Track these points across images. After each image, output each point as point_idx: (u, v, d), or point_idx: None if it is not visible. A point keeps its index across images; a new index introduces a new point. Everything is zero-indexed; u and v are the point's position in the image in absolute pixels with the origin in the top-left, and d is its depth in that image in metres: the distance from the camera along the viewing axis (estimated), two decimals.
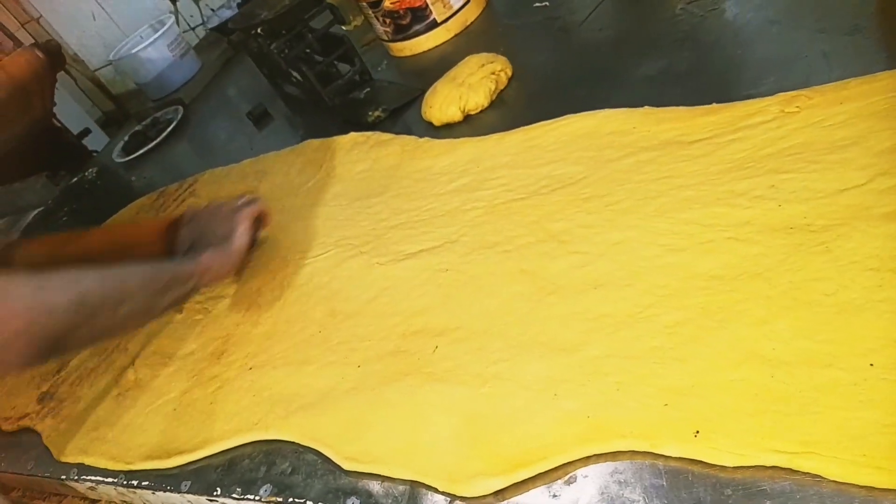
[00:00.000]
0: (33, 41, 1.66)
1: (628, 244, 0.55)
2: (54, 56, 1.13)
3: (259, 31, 0.96)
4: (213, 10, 1.61)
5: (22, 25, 1.75)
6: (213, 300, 0.80)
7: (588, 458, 0.43)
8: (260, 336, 0.70)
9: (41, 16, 1.76)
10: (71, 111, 1.89)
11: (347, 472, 0.51)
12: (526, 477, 0.43)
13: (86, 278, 0.56)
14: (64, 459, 0.71)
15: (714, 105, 0.62)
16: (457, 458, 0.47)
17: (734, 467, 0.38)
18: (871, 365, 0.38)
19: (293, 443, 0.56)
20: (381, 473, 0.49)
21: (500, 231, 0.64)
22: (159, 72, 1.40)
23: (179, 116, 1.32)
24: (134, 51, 1.38)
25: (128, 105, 1.90)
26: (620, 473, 0.41)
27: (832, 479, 0.35)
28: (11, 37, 1.27)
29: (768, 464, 0.37)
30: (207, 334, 0.75)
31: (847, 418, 0.37)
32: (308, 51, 1.03)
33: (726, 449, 0.38)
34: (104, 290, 0.57)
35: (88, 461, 0.68)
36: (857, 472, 0.35)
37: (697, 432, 0.40)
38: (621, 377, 0.46)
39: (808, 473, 0.36)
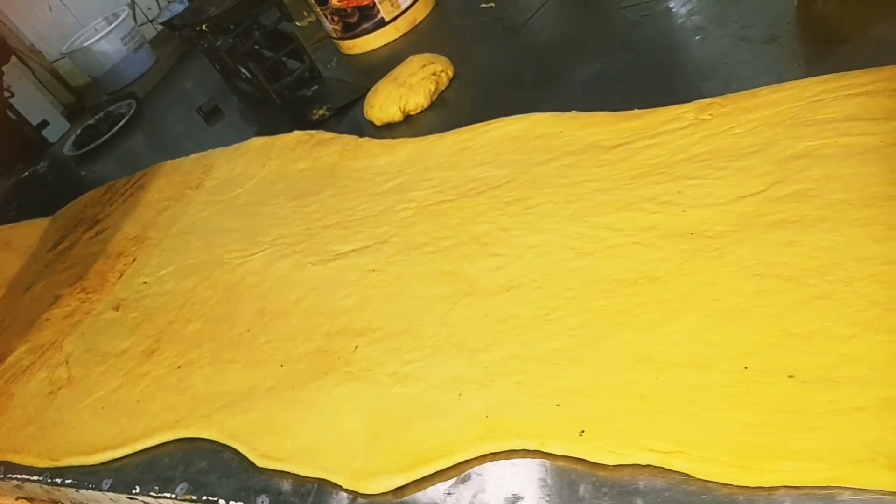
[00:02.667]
0: None
1: (543, 247, 0.56)
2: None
3: (205, 27, 0.96)
4: (160, 5, 1.59)
5: None
6: (148, 297, 0.80)
7: (485, 456, 0.44)
8: (191, 335, 0.70)
9: None
10: (33, 102, 1.86)
11: (260, 470, 0.52)
12: (424, 475, 0.45)
13: None
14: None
15: (636, 111, 0.63)
16: (361, 456, 0.48)
17: (614, 466, 0.39)
18: (746, 368, 0.40)
19: (212, 441, 0.57)
20: (292, 471, 0.50)
21: (427, 232, 0.65)
22: (113, 65, 1.39)
23: (132, 111, 1.31)
24: (87, 43, 1.37)
25: (87, 97, 1.88)
26: (512, 472, 0.42)
27: (698, 477, 0.36)
28: None
29: (644, 462, 0.38)
30: (141, 332, 0.76)
31: (717, 419, 0.38)
32: (256, 47, 1.03)
33: (607, 448, 0.40)
34: None
35: (16, 459, 0.68)
36: (721, 471, 0.36)
37: (583, 431, 0.41)
38: (521, 377, 0.47)
39: (678, 472, 0.37)
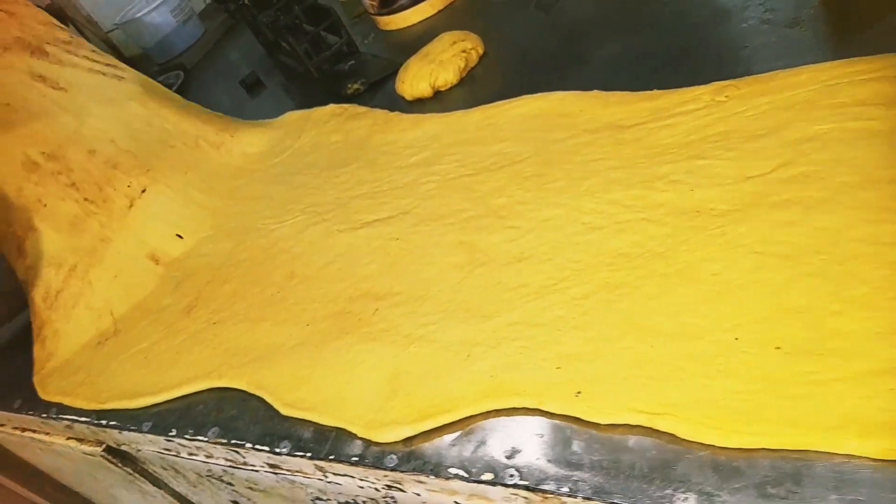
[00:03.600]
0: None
1: (555, 221, 0.59)
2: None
3: (247, 1, 1.00)
4: None
5: None
6: (191, 259, 0.85)
7: (488, 413, 0.47)
8: (226, 294, 0.75)
9: None
10: None
11: (284, 418, 0.56)
12: (431, 427, 0.48)
13: None
14: (47, 398, 0.77)
15: (655, 91, 0.65)
16: (376, 408, 0.52)
17: (606, 425, 0.42)
18: (736, 339, 0.42)
19: (242, 391, 0.61)
20: (312, 420, 0.54)
21: (449, 204, 0.68)
22: (163, 36, 1.44)
23: (180, 81, 1.37)
24: (138, 15, 1.42)
25: (140, 68, 1.94)
26: (513, 427, 0.45)
27: (683, 437, 0.39)
28: None
29: (634, 423, 0.41)
30: (181, 290, 0.81)
31: (703, 385, 0.41)
32: (297, 21, 1.06)
33: (601, 408, 0.43)
34: None
35: (67, 401, 0.74)
36: (704, 432, 0.39)
37: (579, 393, 0.44)
38: (526, 342, 0.50)
39: (665, 432, 0.40)
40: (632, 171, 0.58)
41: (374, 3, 1.06)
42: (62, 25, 0.79)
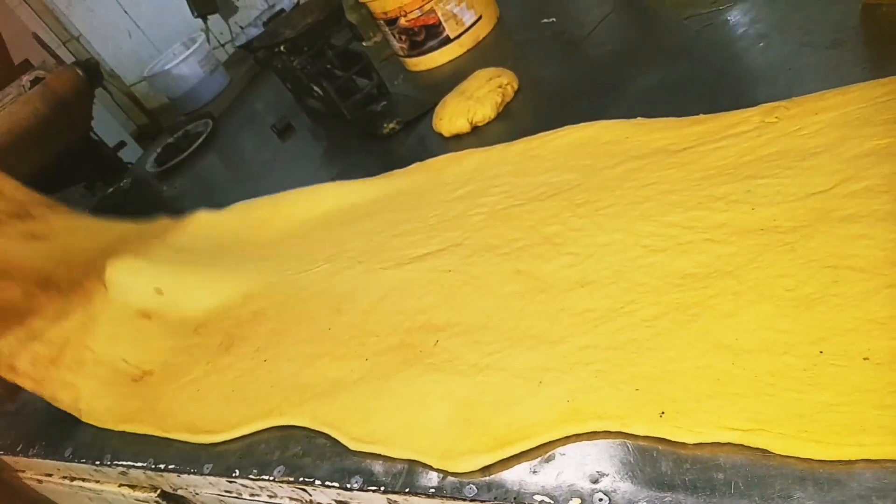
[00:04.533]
0: (73, 59, 1.75)
1: (614, 245, 0.59)
2: (93, 74, 1.21)
3: (282, 48, 1.02)
4: (241, 27, 1.68)
5: (63, 43, 1.85)
6: (181, 309, 0.86)
7: (567, 437, 0.47)
8: (267, 333, 0.75)
9: (80, 34, 1.85)
10: (107, 124, 1.99)
11: (353, 453, 0.56)
12: (510, 454, 0.48)
13: None
14: (111, 427, 0.77)
15: (701, 116, 0.66)
16: (450, 438, 0.51)
17: (694, 444, 0.42)
18: (821, 352, 0.42)
19: (305, 428, 0.61)
20: (382, 453, 0.54)
21: (500, 235, 0.68)
22: (190, 87, 1.47)
23: (209, 129, 1.39)
24: (167, 67, 1.46)
25: (161, 119, 1.99)
26: (595, 451, 0.45)
27: (778, 452, 0.39)
28: (54, 55, 1.35)
29: (723, 441, 0.41)
30: (206, 331, 0.81)
31: (795, 399, 0.40)
32: (328, 66, 1.09)
33: (687, 427, 0.42)
34: None
35: (131, 428, 0.74)
36: (799, 446, 0.38)
37: (663, 413, 0.44)
38: (600, 366, 0.50)
39: (757, 448, 0.39)
40: (688, 194, 0.59)
41: (404, 46, 1.09)
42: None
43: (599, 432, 0.46)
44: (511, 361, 0.55)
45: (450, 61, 1.09)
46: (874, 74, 0.59)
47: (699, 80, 0.73)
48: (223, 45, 1.75)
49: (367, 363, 0.64)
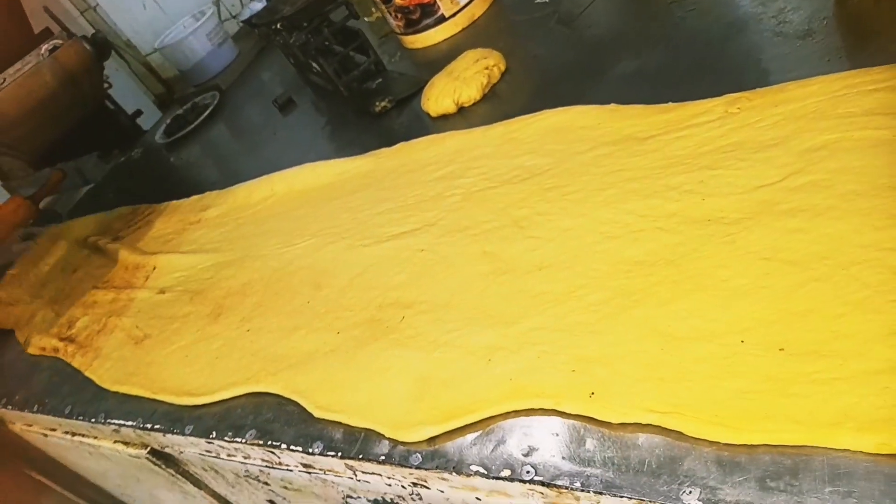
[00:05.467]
0: (92, 29, 1.79)
1: (575, 231, 0.61)
2: (101, 48, 1.24)
3: (279, 25, 1.04)
4: (242, 3, 1.70)
5: (81, 13, 1.88)
6: (193, 282, 0.92)
7: (507, 413, 0.50)
8: (253, 304, 0.79)
9: (97, 4, 1.88)
10: (130, 92, 2.02)
11: (318, 420, 0.59)
12: (454, 427, 0.51)
13: None
14: (106, 387, 0.82)
15: (670, 104, 0.67)
16: (404, 410, 0.55)
17: (618, 424, 0.44)
18: (742, 342, 0.44)
19: (278, 395, 0.65)
20: (343, 422, 0.58)
21: (472, 216, 0.71)
22: (199, 59, 1.50)
23: (216, 102, 1.42)
24: (176, 39, 1.49)
25: (175, 89, 2.02)
26: (530, 427, 0.48)
27: (691, 434, 0.41)
28: (64, 27, 1.38)
29: (644, 422, 0.43)
30: (198, 302, 0.86)
31: (711, 386, 0.43)
32: (326, 43, 1.10)
33: (613, 409, 0.45)
34: None
35: (124, 389, 0.80)
36: (710, 430, 0.41)
37: (593, 394, 0.46)
38: (545, 347, 0.52)
39: (674, 430, 0.42)
40: (647, 182, 0.61)
41: (400, 24, 1.10)
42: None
43: (537, 410, 0.49)
44: (467, 339, 0.58)
45: (445, 40, 1.10)
46: (839, 67, 0.60)
47: (675, 68, 0.74)
48: (234, 17, 1.77)
49: (339, 336, 0.67)
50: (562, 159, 0.70)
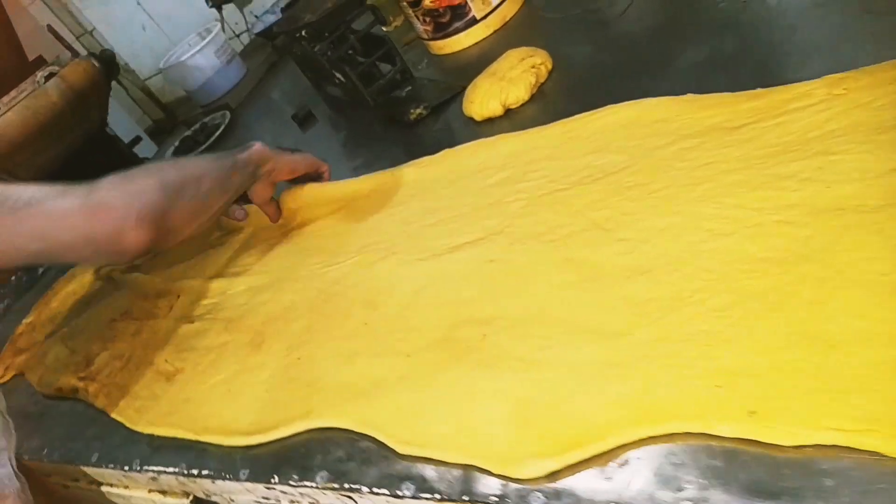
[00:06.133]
0: (87, 52, 1.72)
1: (673, 230, 0.55)
2: (109, 65, 1.18)
3: (304, 33, 0.99)
4: (256, 16, 1.65)
5: (77, 38, 1.82)
6: (226, 309, 0.84)
7: (642, 440, 0.43)
8: (300, 329, 0.72)
9: (94, 28, 1.83)
10: (121, 120, 1.96)
11: (401, 457, 0.52)
12: (579, 459, 0.44)
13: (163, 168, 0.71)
14: (140, 430, 0.75)
15: (758, 90, 0.61)
16: (509, 441, 0.48)
17: (792, 447, 0.38)
18: None
19: (347, 430, 0.57)
20: (434, 457, 0.50)
21: (545, 221, 0.64)
22: (207, 78, 1.44)
23: (227, 121, 1.36)
24: (183, 58, 1.43)
25: (177, 112, 1.96)
26: (674, 455, 0.41)
27: (893, 456, 0.35)
28: (69, 47, 1.32)
29: (827, 442, 0.37)
30: (235, 329, 0.79)
31: None
32: (350, 52, 1.05)
33: (783, 428, 0.38)
34: (182, 172, 0.70)
35: (160, 431, 0.72)
36: None
37: (753, 412, 0.40)
38: (671, 360, 0.46)
39: (868, 451, 0.36)
40: (751, 173, 0.55)
41: (428, 28, 1.05)
42: None
43: (678, 434, 0.42)
44: (568, 356, 0.51)
45: (475, 43, 1.05)
46: None
47: (750, 54, 0.68)
48: (238, 36, 1.72)
49: (410, 360, 0.60)
50: (638, 156, 0.64)
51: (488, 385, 0.53)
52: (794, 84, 0.59)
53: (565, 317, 0.54)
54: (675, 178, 0.59)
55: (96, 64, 1.14)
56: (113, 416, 0.79)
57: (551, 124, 0.76)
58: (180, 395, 0.75)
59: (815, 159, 0.52)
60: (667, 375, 0.45)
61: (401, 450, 0.53)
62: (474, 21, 1.02)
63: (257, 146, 0.80)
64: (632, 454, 0.43)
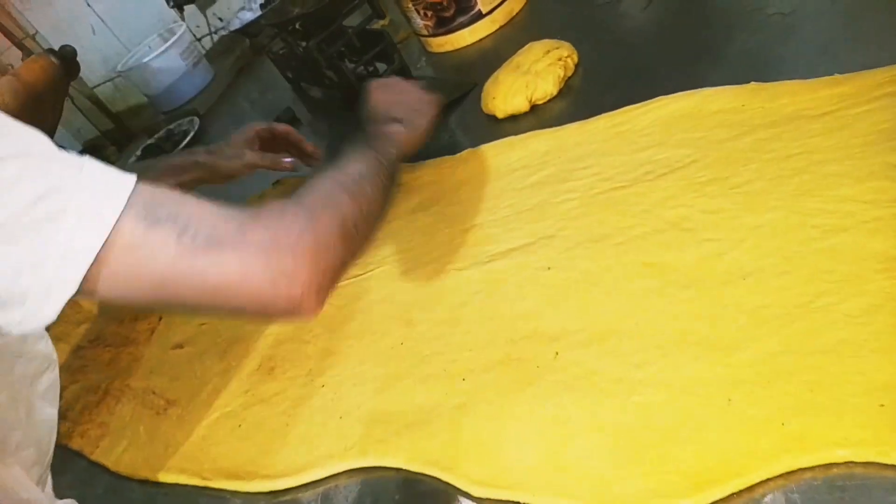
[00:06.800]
0: (47, 48, 1.58)
1: (772, 227, 0.49)
2: (70, 62, 1.05)
3: (297, 27, 0.90)
4: (220, 19, 1.54)
5: (20, 41, 1.66)
6: (225, 330, 0.74)
7: (791, 472, 0.36)
8: (319, 352, 0.63)
9: (37, 32, 1.67)
10: (60, 131, 1.81)
11: (477, 500, 0.44)
12: (716, 498, 0.37)
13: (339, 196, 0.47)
14: (129, 475, 0.64)
15: (837, 76, 0.56)
16: (616, 477, 0.40)
17: None
18: None
19: (399, 469, 0.49)
20: (522, 501, 0.42)
21: (606, 222, 0.58)
22: (171, 82, 1.32)
23: (196, 128, 1.25)
24: (145, 60, 1.31)
25: (129, 122, 1.82)
26: (841, 491, 0.34)
27: None
28: (19, 45, 1.19)
29: None
30: (235, 354, 0.69)
31: None
32: (342, 50, 0.96)
33: None
34: (358, 204, 0.47)
35: (161, 478, 0.61)
36: None
37: None
38: (811, 376, 0.39)
39: None
40: (852, 163, 0.49)
41: (429, 24, 0.97)
42: None
43: (839, 464, 0.35)
44: (673, 375, 0.44)
45: (479, 41, 0.98)
46: None
47: (813, 39, 0.63)
48: (200, 39, 1.60)
49: (467, 384, 0.52)
50: (706, 148, 0.58)
51: (575, 411, 0.45)
52: (880, 69, 0.54)
53: (656, 329, 0.47)
54: (758, 171, 0.53)
55: (55, 61, 1.02)
56: (93, 458, 0.67)
57: (591, 119, 0.69)
58: (177, 433, 0.64)
59: None
60: (810, 394, 0.38)
61: (476, 492, 0.44)
62: (480, 16, 0.95)
63: (398, 133, 0.60)
64: (783, 491, 0.36)
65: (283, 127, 0.82)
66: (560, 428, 0.45)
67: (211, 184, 0.77)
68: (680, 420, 0.41)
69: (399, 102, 0.66)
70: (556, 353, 0.50)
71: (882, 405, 0.36)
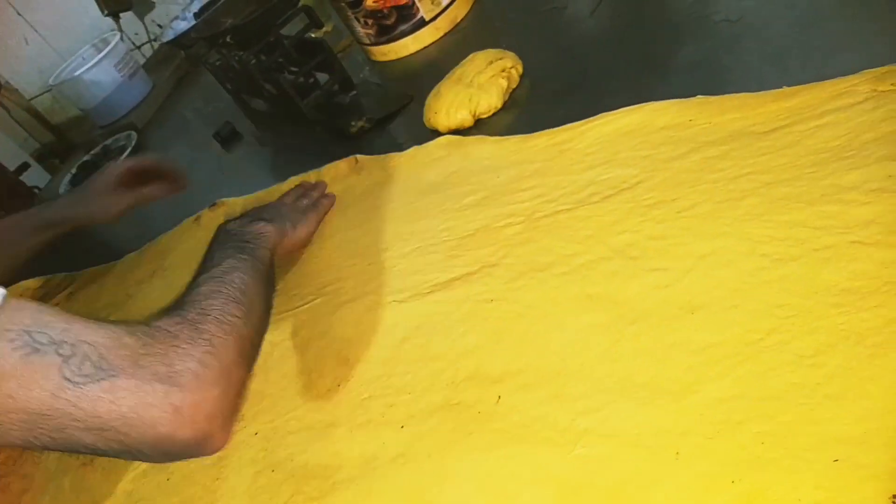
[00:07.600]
0: None
1: (720, 256, 0.46)
2: None
3: (228, 39, 0.85)
4: (160, 25, 1.47)
5: None
6: None
7: None
8: (252, 394, 0.58)
9: None
10: (3, 146, 1.73)
11: None
12: None
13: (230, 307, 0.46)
14: None
15: (785, 89, 0.54)
16: None
17: None
18: None
19: None
20: None
21: (550, 249, 0.54)
22: (107, 95, 1.26)
23: (133, 143, 1.19)
24: (77, 73, 1.24)
25: (70, 135, 1.75)
26: None
27: None
28: None
29: None
30: None
31: None
32: (280, 60, 0.92)
33: None
34: (249, 316, 0.47)
35: None
36: None
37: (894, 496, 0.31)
38: (762, 426, 0.36)
39: None
40: (803, 184, 0.47)
41: (370, 32, 0.93)
42: None
43: None
44: (619, 423, 0.41)
45: (423, 49, 0.95)
46: None
47: (762, 50, 0.61)
48: (139, 48, 1.53)
49: (405, 433, 0.48)
50: (653, 168, 0.55)
51: (517, 466, 0.42)
52: (830, 81, 0.52)
53: (604, 370, 0.44)
54: (706, 192, 0.51)
55: None
56: None
57: (535, 134, 0.66)
58: (103, 485, 0.59)
59: (880, 166, 0.45)
60: (761, 447, 0.36)
61: None
62: (423, 23, 0.91)
63: (267, 231, 0.61)
64: None
65: (149, 160, 0.84)
66: (502, 484, 0.41)
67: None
68: (626, 476, 0.38)
69: (267, 207, 0.69)
70: (499, 398, 0.46)
71: (836, 460, 0.33)
